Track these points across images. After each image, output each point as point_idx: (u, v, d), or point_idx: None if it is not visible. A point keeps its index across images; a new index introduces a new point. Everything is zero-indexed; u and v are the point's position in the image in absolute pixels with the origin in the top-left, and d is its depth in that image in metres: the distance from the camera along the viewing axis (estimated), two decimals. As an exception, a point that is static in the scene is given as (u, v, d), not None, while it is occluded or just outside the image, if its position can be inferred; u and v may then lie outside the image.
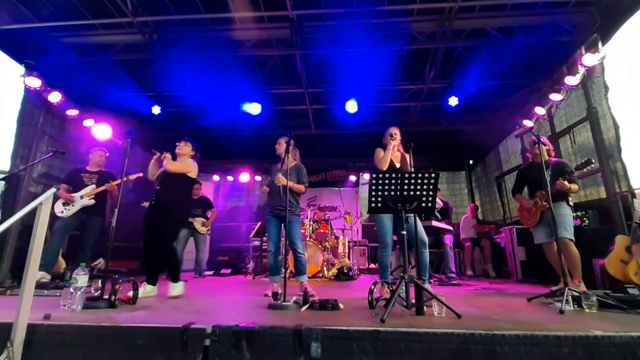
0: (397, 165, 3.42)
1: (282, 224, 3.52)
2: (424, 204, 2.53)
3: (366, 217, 9.14)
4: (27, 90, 5.08)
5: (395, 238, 3.38)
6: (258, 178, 10.03)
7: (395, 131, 3.45)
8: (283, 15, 4.76)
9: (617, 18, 4.40)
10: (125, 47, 5.29)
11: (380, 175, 2.52)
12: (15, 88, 5.12)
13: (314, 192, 9.34)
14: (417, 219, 3.12)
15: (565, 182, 3.26)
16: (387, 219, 3.22)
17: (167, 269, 3.32)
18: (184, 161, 3.54)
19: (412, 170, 3.33)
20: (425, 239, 3.22)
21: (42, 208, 1.83)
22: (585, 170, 3.40)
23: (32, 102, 5.21)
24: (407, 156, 3.45)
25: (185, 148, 3.61)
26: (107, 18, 4.82)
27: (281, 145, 3.64)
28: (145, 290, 3.18)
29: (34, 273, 1.78)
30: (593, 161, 3.30)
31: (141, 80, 6.18)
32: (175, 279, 3.23)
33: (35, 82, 5.01)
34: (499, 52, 5.24)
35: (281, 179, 3.35)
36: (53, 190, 1.92)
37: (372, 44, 4.99)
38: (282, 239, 3.62)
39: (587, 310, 2.42)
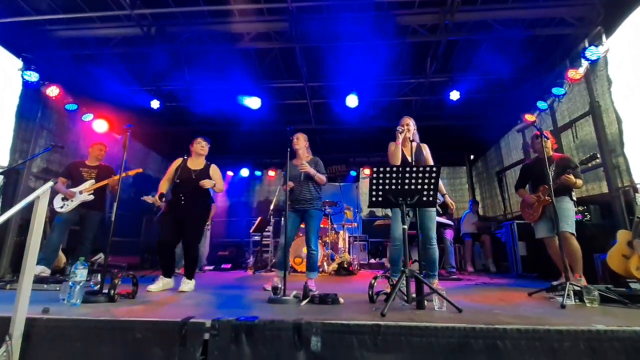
0: (409, 158, 3.31)
1: (303, 218, 3.52)
2: (424, 198, 2.51)
3: (366, 213, 9.14)
4: (25, 84, 5.05)
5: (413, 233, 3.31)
6: (258, 173, 10.02)
7: (407, 121, 3.35)
8: (282, 7, 4.70)
9: (621, 11, 4.35)
10: (124, 40, 5.24)
11: (381, 169, 2.49)
12: (13, 82, 5.10)
13: (314, 187, 9.32)
14: (431, 214, 3.10)
15: (571, 176, 3.23)
16: (400, 214, 3.18)
17: (187, 265, 3.36)
18: (214, 172, 3.56)
19: (431, 162, 3.29)
20: (431, 234, 3.18)
21: (40, 201, 1.81)
22: (590, 165, 3.37)
23: (31, 96, 5.17)
24: (424, 146, 3.40)
25: (206, 148, 3.62)
26: (104, 11, 4.76)
27: (300, 140, 3.64)
28: (164, 282, 3.27)
29: (32, 266, 1.76)
30: (598, 156, 3.26)
31: (140, 74, 6.13)
32: (191, 275, 3.33)
33: (33, 76, 4.97)
34: (501, 46, 5.18)
35: (305, 166, 3.38)
36: (50, 183, 1.90)
37: (372, 37, 4.93)
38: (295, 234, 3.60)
39: (588, 305, 2.41)
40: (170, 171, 3.50)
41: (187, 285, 3.23)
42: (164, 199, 3.32)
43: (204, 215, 3.53)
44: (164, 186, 3.45)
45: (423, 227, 3.15)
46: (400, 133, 3.27)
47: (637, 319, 1.98)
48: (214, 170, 3.57)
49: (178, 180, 3.40)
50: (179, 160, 3.55)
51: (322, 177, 3.55)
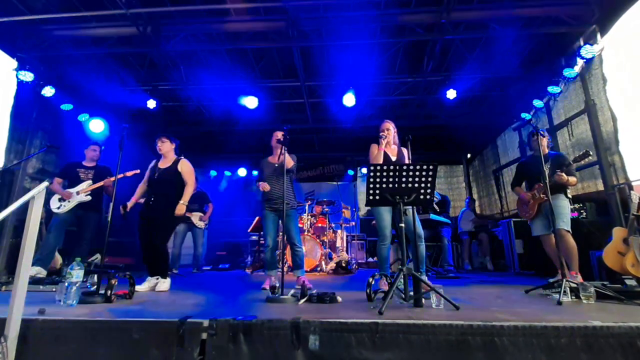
0: (393, 159, 3.40)
1: (280, 219, 3.50)
2: (422, 197, 2.51)
3: (364, 211, 9.15)
4: (20, 84, 5.01)
5: (394, 232, 3.38)
6: (255, 172, 9.98)
7: (388, 126, 3.44)
8: (279, 6, 4.69)
9: (615, 9, 4.37)
10: (119, 40, 5.20)
11: (379, 168, 2.49)
12: (8, 82, 5.05)
13: (312, 187, 9.33)
14: (415, 212, 3.11)
15: (563, 175, 3.26)
16: (386, 212, 3.21)
17: (157, 264, 3.35)
18: (182, 166, 3.52)
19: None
20: (422, 232, 3.21)
21: (35, 202, 1.79)
22: (583, 162, 3.39)
23: (26, 96, 5.13)
24: (405, 150, 3.42)
25: (165, 145, 3.59)
26: (100, 10, 4.72)
27: (278, 137, 3.67)
28: (150, 283, 3.29)
29: (27, 267, 1.75)
30: (591, 153, 3.29)
31: (136, 74, 6.09)
32: (165, 274, 3.34)
33: (28, 76, 4.94)
34: (497, 44, 5.20)
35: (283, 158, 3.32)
36: (45, 184, 1.89)
37: (369, 36, 4.94)
38: (280, 233, 3.59)
39: (584, 302, 2.42)
40: (147, 174, 3.56)
41: (164, 284, 3.24)
42: (126, 209, 3.38)
43: (172, 214, 3.39)
44: (140, 190, 3.55)
45: (414, 225, 3.17)
46: (384, 139, 3.37)
47: (633, 315, 2.00)
48: (183, 164, 3.51)
49: (149, 182, 3.48)
50: (152, 162, 3.60)
51: (289, 160, 3.46)
